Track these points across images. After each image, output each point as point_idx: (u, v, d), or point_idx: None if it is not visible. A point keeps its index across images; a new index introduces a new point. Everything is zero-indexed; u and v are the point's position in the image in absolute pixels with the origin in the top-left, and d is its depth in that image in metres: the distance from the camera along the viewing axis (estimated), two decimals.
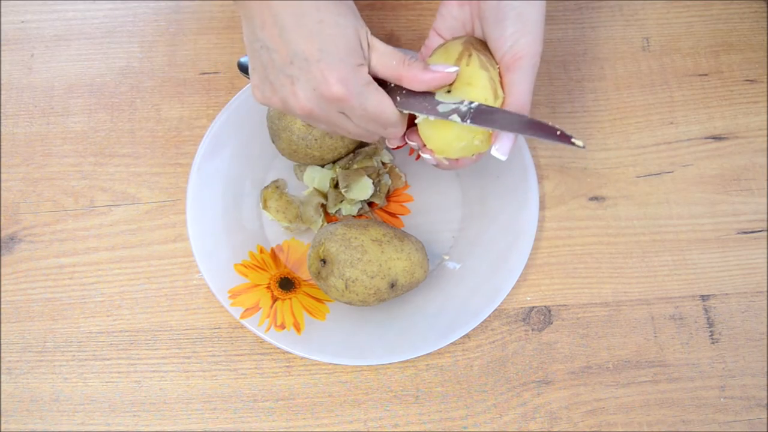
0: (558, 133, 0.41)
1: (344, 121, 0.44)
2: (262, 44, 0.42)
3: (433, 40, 0.48)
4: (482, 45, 0.45)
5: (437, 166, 0.48)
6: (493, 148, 0.44)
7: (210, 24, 0.64)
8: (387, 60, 0.43)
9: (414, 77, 0.43)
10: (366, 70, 0.42)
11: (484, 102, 0.43)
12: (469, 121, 0.43)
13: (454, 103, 0.43)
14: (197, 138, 0.60)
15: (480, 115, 0.43)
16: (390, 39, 0.63)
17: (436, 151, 0.46)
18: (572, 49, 0.63)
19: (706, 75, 0.63)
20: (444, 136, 0.45)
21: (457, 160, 0.47)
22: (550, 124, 0.42)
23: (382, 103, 0.43)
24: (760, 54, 0.63)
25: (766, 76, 0.62)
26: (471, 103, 0.43)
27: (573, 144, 0.41)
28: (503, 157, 0.43)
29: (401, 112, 0.44)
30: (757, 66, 0.63)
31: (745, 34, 0.64)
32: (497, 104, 0.44)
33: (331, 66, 0.41)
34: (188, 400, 0.53)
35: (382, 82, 0.44)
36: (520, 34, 0.43)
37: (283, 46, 0.41)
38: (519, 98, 0.43)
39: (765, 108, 0.61)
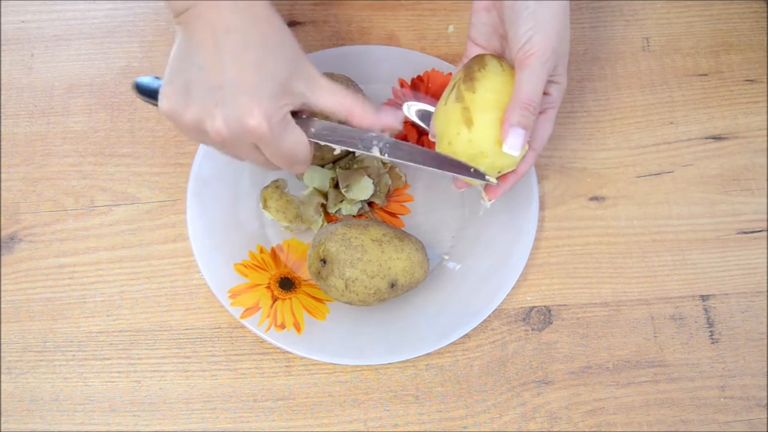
0: (471, 170, 0.45)
1: (253, 153, 0.45)
2: (195, 63, 0.42)
3: (471, 50, 0.50)
4: (481, 66, 0.46)
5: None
6: (504, 145, 0.45)
7: None
8: (337, 97, 0.45)
9: (363, 116, 0.45)
10: (290, 108, 0.44)
11: (455, 135, 0.45)
12: (386, 154, 0.46)
13: (373, 137, 0.46)
14: None
15: (395, 149, 0.46)
16: (390, 39, 0.64)
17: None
18: (572, 49, 0.63)
19: (706, 75, 0.63)
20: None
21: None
22: (460, 161, 0.45)
23: (298, 143, 0.45)
24: (760, 54, 0.63)
25: (766, 76, 0.62)
26: (388, 138, 0.46)
27: (486, 181, 0.46)
28: (516, 153, 0.45)
29: (315, 143, 0.46)
30: (757, 66, 0.63)
31: (745, 34, 0.64)
32: (469, 131, 0.45)
33: (259, 101, 0.42)
34: (188, 400, 0.53)
35: (295, 112, 0.45)
36: (533, 32, 0.44)
37: (217, 72, 0.41)
38: (524, 95, 0.44)
39: (765, 108, 0.61)
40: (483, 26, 0.49)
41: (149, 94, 0.52)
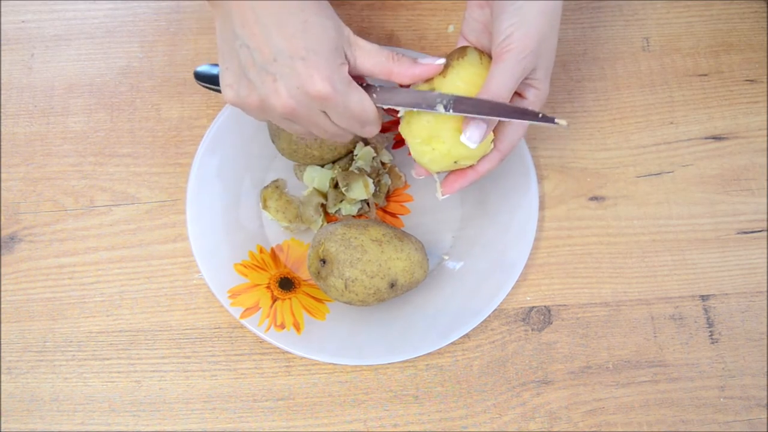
0: (540, 115, 0.43)
1: (323, 121, 0.44)
2: (241, 42, 0.42)
3: (461, 44, 0.49)
4: (460, 56, 0.46)
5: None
6: (462, 135, 0.44)
7: (210, 24, 0.64)
8: (376, 57, 0.44)
9: (405, 72, 0.44)
10: (347, 69, 0.43)
11: (416, 114, 0.45)
12: (451, 110, 0.43)
13: (437, 95, 0.44)
14: (197, 138, 0.60)
15: (460, 104, 0.43)
16: (390, 39, 0.64)
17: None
18: (572, 49, 0.63)
19: (706, 75, 0.63)
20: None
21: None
22: (529, 108, 0.43)
23: (363, 101, 0.44)
24: (760, 54, 0.63)
25: (766, 76, 0.62)
26: (450, 95, 0.44)
27: (556, 124, 0.43)
28: (473, 145, 0.44)
29: (380, 108, 0.45)
30: (757, 66, 0.63)
31: (745, 34, 0.64)
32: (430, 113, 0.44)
33: (316, 64, 0.41)
34: (188, 400, 0.53)
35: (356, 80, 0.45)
36: (514, 28, 0.43)
37: (266, 44, 0.41)
38: (492, 89, 0.43)
39: (765, 108, 0.61)
40: (475, 23, 0.48)
41: (209, 80, 0.54)
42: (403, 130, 0.47)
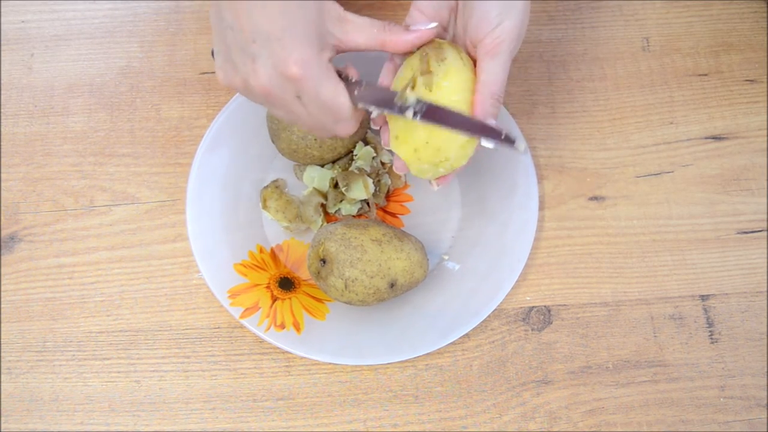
0: (502, 135, 0.42)
1: (298, 108, 0.43)
2: (227, 24, 0.42)
3: (415, 17, 0.46)
4: (439, 58, 0.44)
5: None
6: (482, 140, 0.43)
7: (210, 24, 0.64)
8: (367, 30, 0.43)
9: (398, 39, 0.43)
10: (328, 55, 0.42)
11: (423, 144, 0.44)
12: (419, 117, 0.42)
13: (412, 100, 0.43)
14: (197, 138, 0.60)
15: (431, 112, 0.42)
16: None
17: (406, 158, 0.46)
18: (572, 49, 0.63)
19: (706, 75, 0.63)
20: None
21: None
22: (495, 127, 0.42)
23: (336, 92, 0.42)
24: (760, 54, 0.63)
25: (766, 76, 0.62)
26: (424, 101, 0.43)
27: (515, 149, 0.42)
28: (492, 145, 0.43)
29: (356, 106, 0.44)
30: (757, 66, 0.63)
31: (745, 34, 0.64)
32: (436, 139, 0.44)
33: (292, 45, 0.40)
34: (188, 400, 0.53)
35: (342, 76, 0.44)
36: (503, 17, 0.42)
37: (247, 25, 0.41)
38: (494, 86, 0.43)
39: (765, 108, 0.61)
40: None
41: None
42: (410, 157, 0.45)
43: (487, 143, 0.43)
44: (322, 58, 0.42)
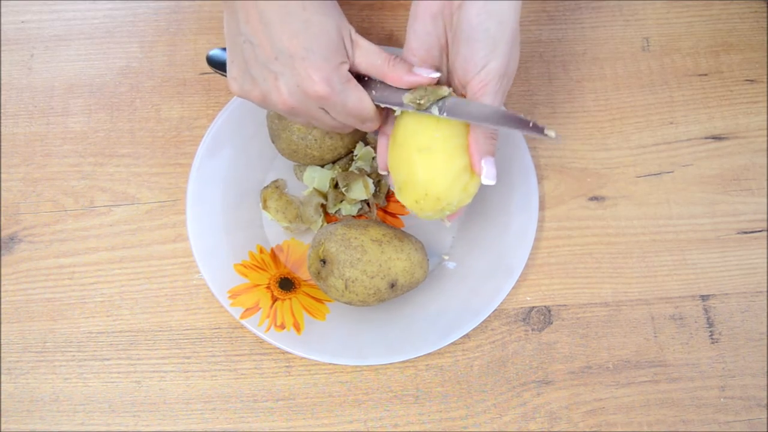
0: (530, 124, 0.42)
1: (323, 116, 0.46)
2: (245, 38, 0.43)
3: (409, 59, 0.46)
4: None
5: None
6: (483, 178, 0.45)
7: (210, 24, 0.64)
8: (372, 58, 0.44)
9: (398, 78, 0.44)
10: (347, 67, 0.44)
11: (423, 195, 0.45)
12: (445, 113, 0.44)
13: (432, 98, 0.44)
14: (197, 138, 0.60)
15: (455, 107, 0.44)
16: (390, 39, 0.63)
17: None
18: (572, 49, 0.63)
19: (706, 75, 0.63)
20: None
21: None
22: (522, 116, 0.42)
23: (361, 100, 0.44)
24: (760, 54, 0.63)
25: (766, 76, 0.62)
26: (445, 97, 0.44)
27: (546, 135, 0.42)
28: (493, 182, 0.45)
29: (378, 106, 0.46)
30: (757, 66, 0.63)
31: (745, 34, 0.64)
32: (436, 188, 0.45)
33: (315, 64, 0.42)
34: (188, 400, 0.53)
35: (358, 75, 0.45)
36: (490, 57, 0.42)
37: (268, 42, 0.42)
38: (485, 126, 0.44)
39: (765, 108, 0.61)
40: (427, 36, 0.44)
41: (221, 65, 0.55)
42: (413, 208, 0.47)
43: (488, 181, 0.44)
44: (342, 71, 0.43)
